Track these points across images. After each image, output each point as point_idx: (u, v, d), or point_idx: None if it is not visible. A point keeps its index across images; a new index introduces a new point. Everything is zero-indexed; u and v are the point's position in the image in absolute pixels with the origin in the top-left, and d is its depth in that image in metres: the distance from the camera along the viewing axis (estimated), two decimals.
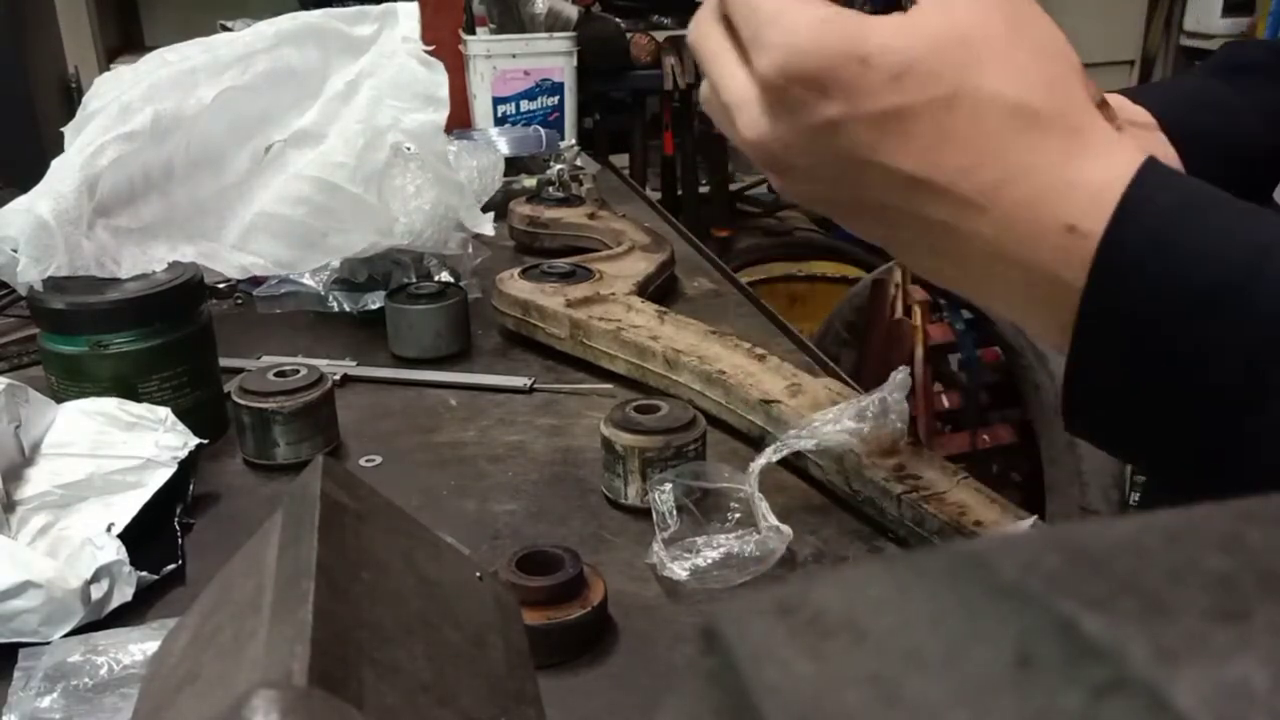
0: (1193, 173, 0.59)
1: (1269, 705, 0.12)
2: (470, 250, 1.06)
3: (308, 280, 1.04)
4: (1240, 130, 0.67)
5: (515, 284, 0.98)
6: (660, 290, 1.07)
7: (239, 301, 1.10)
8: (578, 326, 0.91)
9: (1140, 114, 0.60)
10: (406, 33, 1.03)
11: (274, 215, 0.97)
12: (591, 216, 1.23)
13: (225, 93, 0.94)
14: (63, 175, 0.83)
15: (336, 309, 1.04)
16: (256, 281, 1.06)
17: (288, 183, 0.98)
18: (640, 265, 1.05)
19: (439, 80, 1.01)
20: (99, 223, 0.85)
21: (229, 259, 0.94)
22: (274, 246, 0.97)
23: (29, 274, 0.77)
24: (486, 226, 1.04)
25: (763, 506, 0.64)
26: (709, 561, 0.62)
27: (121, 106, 0.88)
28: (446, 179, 0.99)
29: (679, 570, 0.62)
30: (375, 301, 1.01)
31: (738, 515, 0.66)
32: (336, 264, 1.03)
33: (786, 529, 0.65)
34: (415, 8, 1.05)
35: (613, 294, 0.96)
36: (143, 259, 0.83)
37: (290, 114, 1.02)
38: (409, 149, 0.98)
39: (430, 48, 1.03)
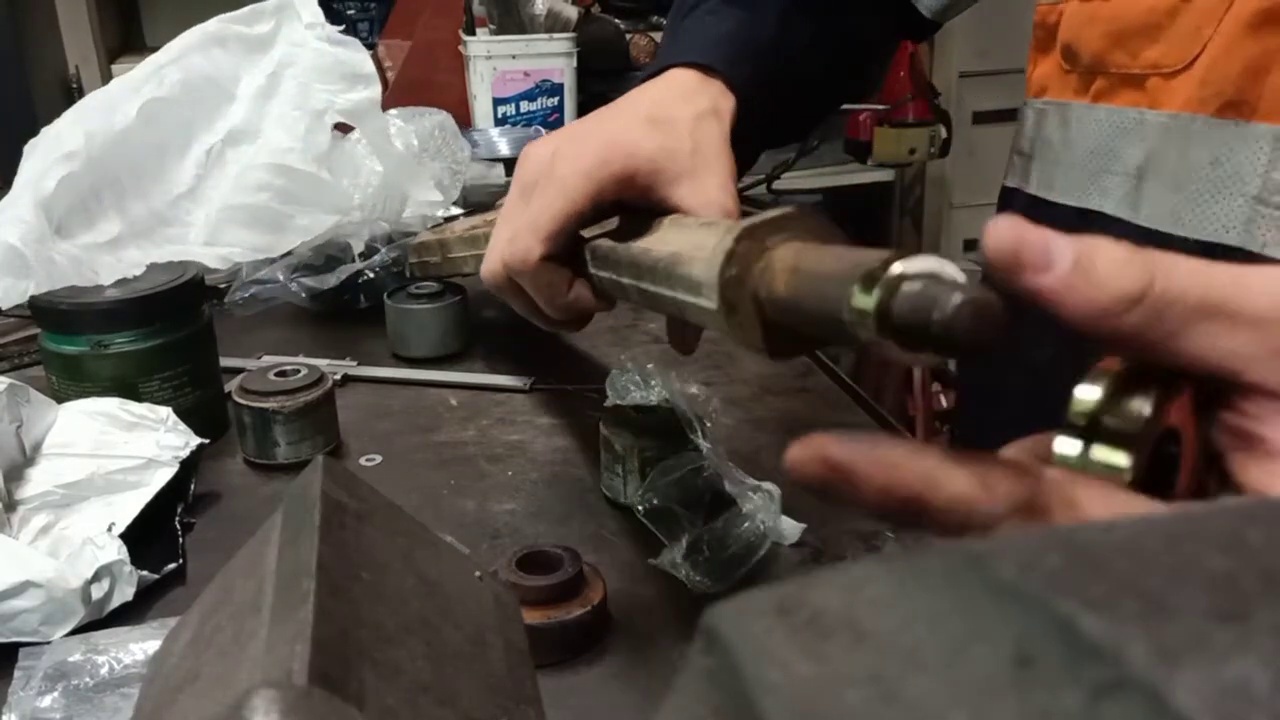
0: (756, 116, 0.64)
1: (1269, 706, 0.12)
2: (429, 226, 1.08)
3: (279, 276, 1.04)
4: (783, 71, 0.71)
5: (423, 235, 1.01)
6: None
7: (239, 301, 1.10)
8: (444, 245, 0.92)
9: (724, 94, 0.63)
10: (309, 19, 1.06)
11: (238, 206, 1.00)
12: None
13: (148, 105, 0.98)
14: (17, 204, 0.88)
15: (302, 293, 1.03)
16: (220, 292, 1.07)
17: (244, 173, 1.01)
18: None
19: (361, 58, 1.04)
20: (64, 244, 0.88)
21: (204, 254, 0.96)
22: (246, 235, 1.01)
23: (10, 296, 0.80)
24: (432, 194, 1.06)
25: (763, 504, 0.64)
26: (710, 560, 0.62)
27: (54, 136, 0.93)
28: (389, 152, 1.02)
29: (681, 570, 0.62)
30: (340, 276, 1.02)
31: (738, 514, 0.66)
32: (293, 251, 1.04)
33: (788, 526, 0.65)
34: None
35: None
36: (119, 267, 0.84)
37: (216, 117, 1.06)
38: (349, 129, 1.03)
39: (340, 27, 1.06)
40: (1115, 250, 0.30)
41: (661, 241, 0.51)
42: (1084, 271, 0.30)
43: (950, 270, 0.30)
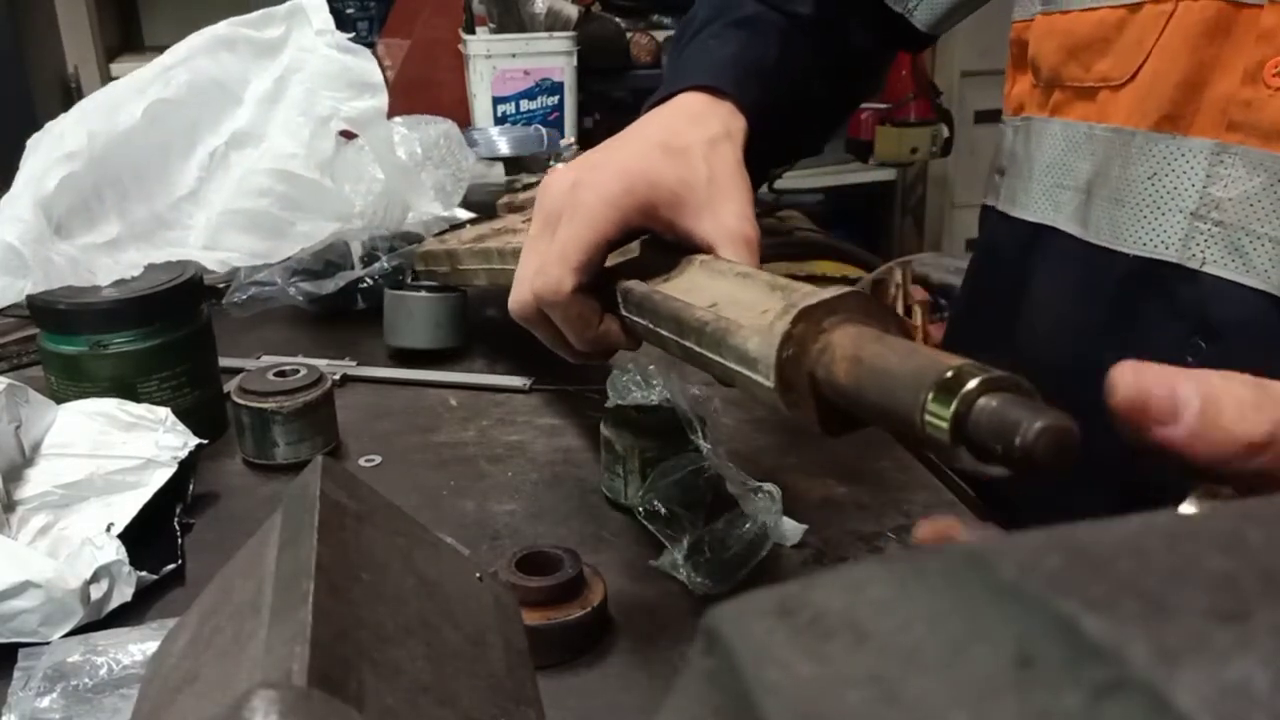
0: (765, 135, 0.64)
1: (1270, 706, 0.12)
2: (434, 232, 1.08)
3: (277, 279, 1.04)
4: (787, 88, 0.71)
5: (429, 243, 1.01)
6: None
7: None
8: (452, 256, 0.92)
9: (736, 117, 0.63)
10: (319, 26, 1.06)
11: (238, 211, 1.00)
12: None
13: (153, 106, 0.97)
14: (17, 203, 0.87)
15: (300, 297, 1.03)
16: (219, 293, 1.07)
17: (246, 178, 1.01)
18: None
19: (369, 67, 1.04)
20: (64, 244, 0.88)
21: (202, 258, 0.96)
22: (246, 240, 1.01)
23: (7, 295, 0.80)
24: (434, 207, 1.06)
25: (765, 505, 0.64)
26: (710, 561, 0.62)
27: (56, 136, 0.92)
28: (391, 160, 1.02)
29: (682, 571, 0.62)
30: (339, 283, 1.01)
31: (739, 515, 0.66)
32: (293, 255, 1.04)
33: (789, 528, 0.65)
34: (322, 1, 1.07)
35: (504, 227, 0.97)
36: (116, 268, 0.84)
37: (221, 120, 1.06)
38: (353, 135, 1.02)
39: (349, 35, 1.06)
40: (1242, 391, 0.30)
41: (697, 290, 0.51)
42: (1211, 420, 0.29)
43: (1026, 386, 0.31)
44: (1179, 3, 0.61)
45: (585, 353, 0.59)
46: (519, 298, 0.58)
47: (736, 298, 0.47)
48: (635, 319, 0.54)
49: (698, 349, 0.47)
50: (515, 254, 0.81)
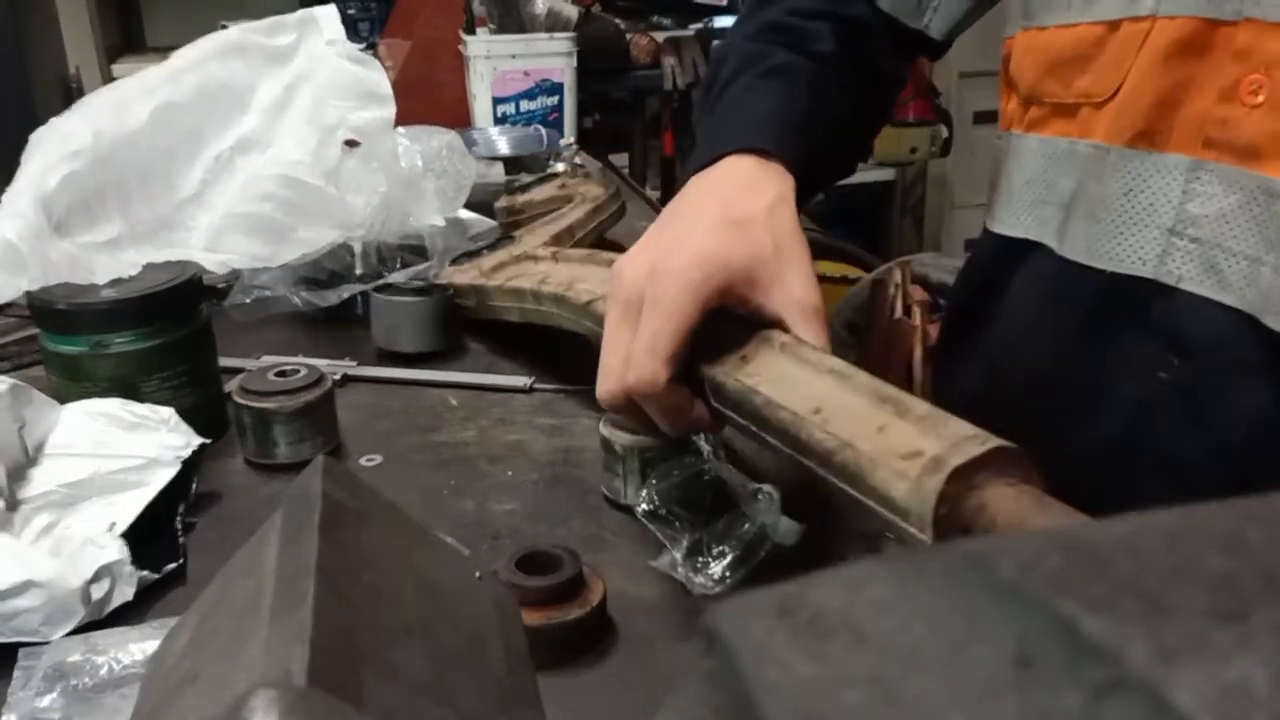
0: (807, 178, 0.65)
1: (1269, 706, 0.12)
2: (441, 243, 1.07)
3: (280, 288, 1.03)
4: (822, 128, 0.72)
5: (448, 273, 1.01)
6: None
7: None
8: (480, 291, 0.93)
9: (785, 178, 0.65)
10: (331, 35, 1.06)
11: (241, 214, 1.00)
12: (561, 187, 1.24)
13: (160, 108, 0.98)
14: (17, 200, 0.87)
15: (302, 305, 1.03)
16: (220, 293, 1.06)
17: (251, 182, 1.01)
18: (563, 221, 1.07)
19: (378, 77, 1.04)
20: (64, 242, 0.88)
21: (203, 259, 0.96)
22: (247, 243, 1.01)
23: (6, 292, 0.80)
24: (435, 218, 1.06)
25: (764, 506, 0.64)
26: (711, 561, 0.62)
27: (62, 135, 0.92)
28: (394, 169, 1.03)
29: (681, 572, 0.62)
30: (341, 295, 1.01)
31: (739, 515, 0.66)
32: (297, 261, 1.04)
33: (789, 528, 0.65)
34: (334, 10, 1.07)
35: (523, 253, 0.97)
36: (116, 267, 0.84)
37: (228, 125, 1.06)
38: (358, 144, 1.03)
39: (360, 46, 1.06)
40: None
41: (789, 385, 0.51)
42: None
43: None
44: (1155, 20, 0.61)
45: (675, 435, 0.60)
46: (610, 390, 0.59)
47: (842, 403, 0.47)
48: (734, 416, 0.54)
49: (821, 470, 0.47)
50: (552, 298, 0.82)
